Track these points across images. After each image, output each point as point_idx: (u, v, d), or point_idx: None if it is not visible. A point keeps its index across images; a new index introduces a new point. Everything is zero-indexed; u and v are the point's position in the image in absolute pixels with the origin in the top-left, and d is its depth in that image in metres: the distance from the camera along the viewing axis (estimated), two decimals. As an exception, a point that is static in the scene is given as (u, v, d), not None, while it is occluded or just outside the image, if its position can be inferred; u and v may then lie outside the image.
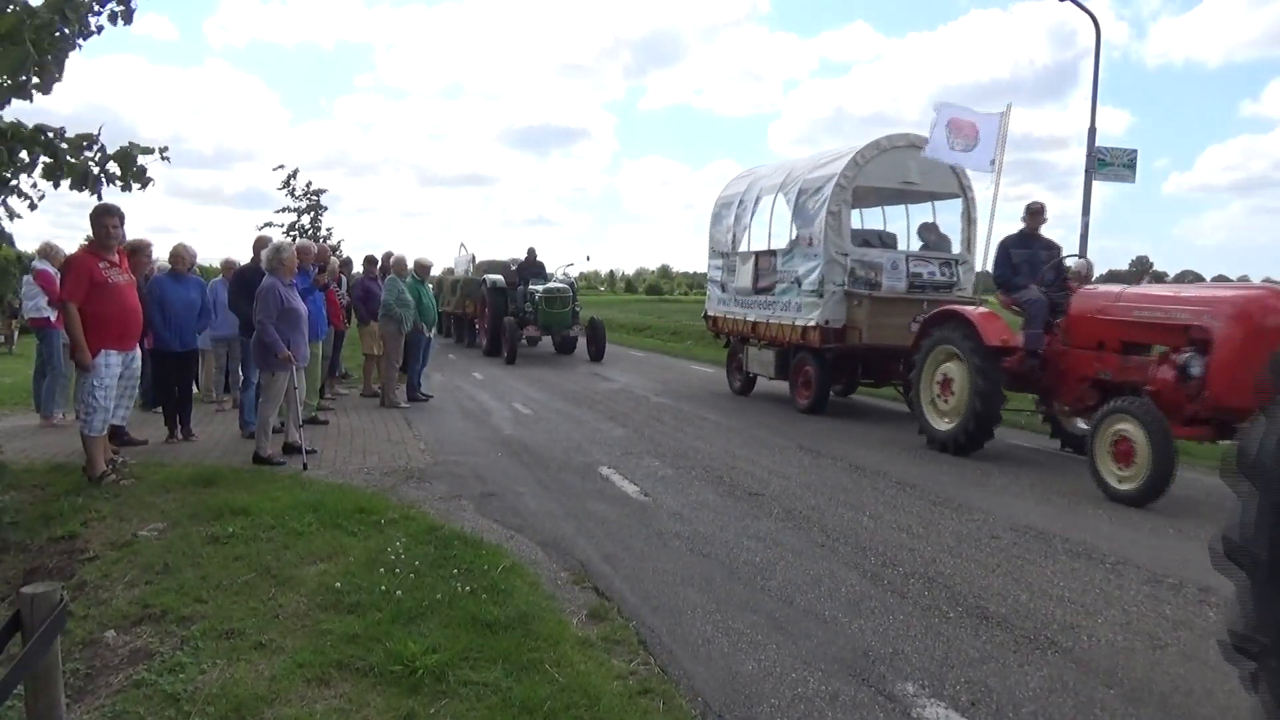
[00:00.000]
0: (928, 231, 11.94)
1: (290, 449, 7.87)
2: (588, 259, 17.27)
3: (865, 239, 11.83)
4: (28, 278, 8.93)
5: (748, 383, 13.26)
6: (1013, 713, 3.34)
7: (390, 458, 8.00)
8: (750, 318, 12.56)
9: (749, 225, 13.12)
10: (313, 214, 21.34)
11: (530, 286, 18.64)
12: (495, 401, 12.04)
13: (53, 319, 8.80)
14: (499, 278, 19.51)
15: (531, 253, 20.02)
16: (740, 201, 13.37)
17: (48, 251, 9.21)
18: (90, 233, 6.68)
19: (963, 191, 11.61)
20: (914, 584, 4.78)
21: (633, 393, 13.35)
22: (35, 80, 4.97)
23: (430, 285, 13.45)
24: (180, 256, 8.82)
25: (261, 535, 5.20)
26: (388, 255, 12.46)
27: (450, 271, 24.87)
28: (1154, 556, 5.36)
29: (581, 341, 19.06)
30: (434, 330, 12.52)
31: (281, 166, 21.25)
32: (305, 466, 7.33)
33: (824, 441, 9.26)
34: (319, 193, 21.48)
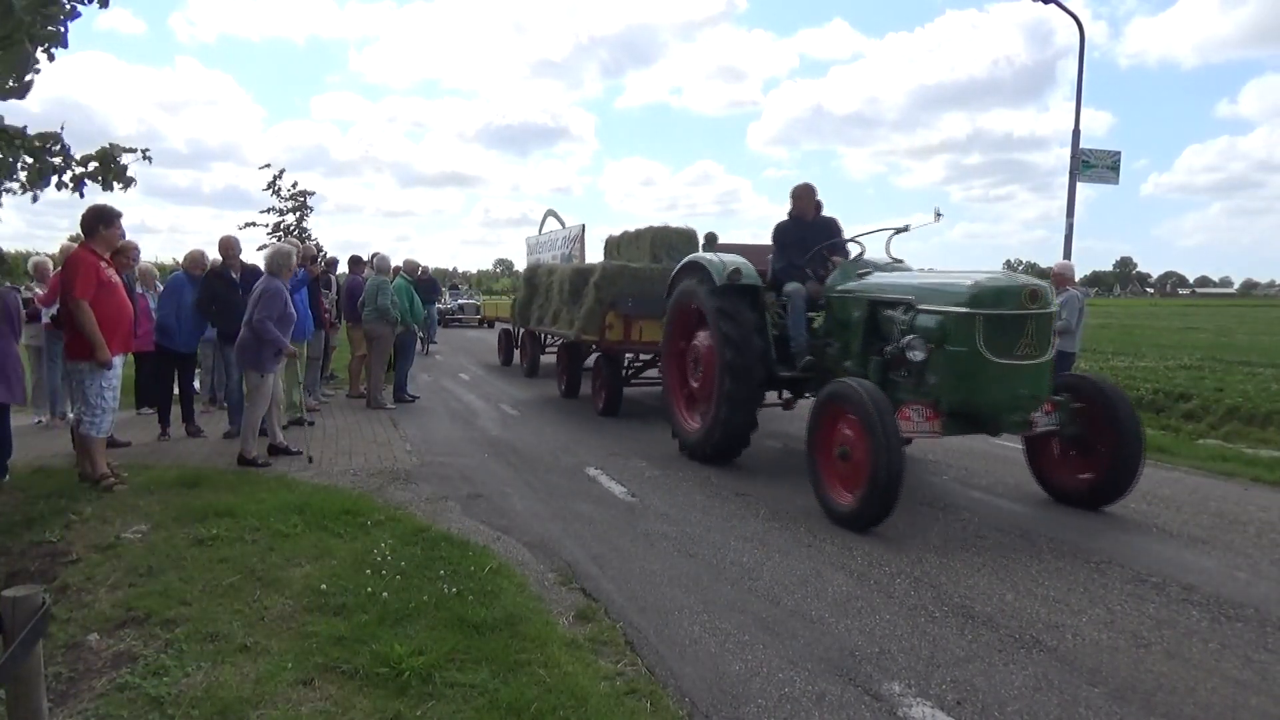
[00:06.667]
0: None
1: (275, 450, 7.87)
2: (938, 216, 6.43)
3: None
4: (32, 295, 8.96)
5: None
6: (998, 711, 3.35)
7: (376, 459, 7.97)
8: None
9: None
10: (299, 214, 21.14)
11: (863, 280, 7.11)
12: (482, 403, 12.01)
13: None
14: (713, 260, 7.70)
15: (816, 203, 8.14)
16: None
17: (42, 267, 9.51)
18: (83, 232, 6.49)
19: None
20: (900, 583, 4.80)
21: None
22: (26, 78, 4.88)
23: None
24: (197, 261, 9.29)
25: (246, 537, 5.18)
26: (374, 255, 12.43)
27: (535, 262, 15.57)
28: (1137, 555, 5.40)
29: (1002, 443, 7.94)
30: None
31: (268, 165, 20.98)
32: (311, 459, 7.70)
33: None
34: (305, 194, 21.28)
